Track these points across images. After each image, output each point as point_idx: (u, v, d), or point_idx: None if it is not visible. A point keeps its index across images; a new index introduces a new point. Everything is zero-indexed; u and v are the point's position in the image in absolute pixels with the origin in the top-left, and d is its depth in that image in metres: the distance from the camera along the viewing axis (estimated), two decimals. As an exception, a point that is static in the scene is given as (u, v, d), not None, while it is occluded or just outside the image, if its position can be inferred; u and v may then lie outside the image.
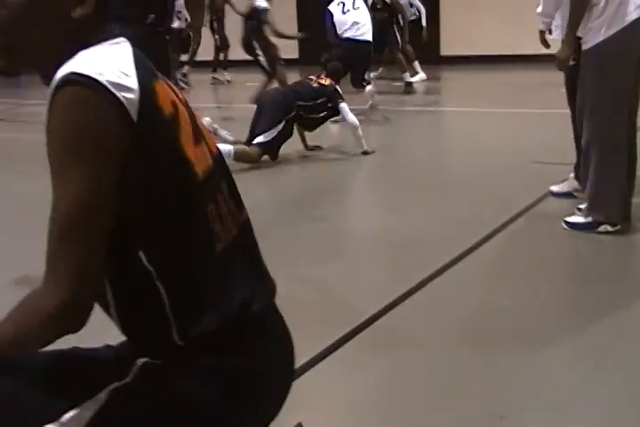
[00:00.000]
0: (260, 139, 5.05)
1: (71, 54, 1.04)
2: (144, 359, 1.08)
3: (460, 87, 9.50)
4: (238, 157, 4.90)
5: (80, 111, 0.99)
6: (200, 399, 1.08)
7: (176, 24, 10.49)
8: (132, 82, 1.02)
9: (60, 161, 1.01)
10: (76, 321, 1.01)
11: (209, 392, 1.08)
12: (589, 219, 3.30)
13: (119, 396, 1.06)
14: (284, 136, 5.16)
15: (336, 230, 3.74)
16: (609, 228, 3.27)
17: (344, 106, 5.39)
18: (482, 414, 1.92)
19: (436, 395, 2.03)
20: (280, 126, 5.06)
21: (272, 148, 5.11)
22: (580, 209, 3.39)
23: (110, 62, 1.03)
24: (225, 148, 4.79)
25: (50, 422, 1.04)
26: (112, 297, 1.09)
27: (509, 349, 2.28)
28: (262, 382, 1.15)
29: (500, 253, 3.22)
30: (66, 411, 1.05)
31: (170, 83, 1.17)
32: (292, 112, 5.14)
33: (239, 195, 1.23)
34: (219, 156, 1.20)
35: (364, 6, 7.53)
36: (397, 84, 10.06)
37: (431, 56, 12.24)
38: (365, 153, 5.39)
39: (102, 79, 1.00)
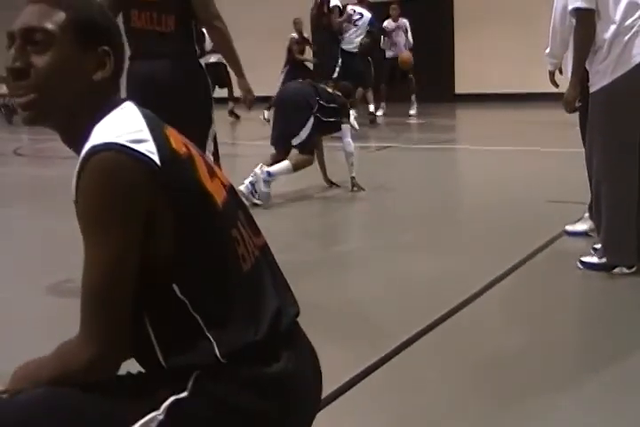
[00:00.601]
0: (296, 141, 5.07)
1: (89, 115, 1.18)
2: (197, 372, 1.13)
3: (474, 125, 9.56)
4: (297, 168, 5.05)
5: (106, 174, 1.09)
6: (248, 411, 1.15)
7: (213, 59, 10.77)
8: (146, 134, 1.14)
9: (89, 226, 1.11)
10: (105, 372, 1.13)
11: (256, 404, 1.15)
12: (604, 260, 3.28)
13: (179, 408, 1.12)
14: (318, 130, 5.17)
15: (346, 267, 3.73)
16: (625, 270, 3.24)
17: (347, 128, 5.37)
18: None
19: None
20: (310, 122, 5.06)
21: (311, 144, 5.14)
22: (595, 249, 3.37)
23: (123, 125, 1.15)
24: (282, 165, 4.96)
25: None
26: (151, 329, 1.16)
27: (524, 391, 2.24)
28: (295, 395, 1.21)
29: (514, 293, 3.19)
30: (127, 426, 1.11)
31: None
32: (316, 106, 5.11)
33: (255, 222, 1.32)
34: (230, 188, 1.30)
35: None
36: (411, 121, 10.16)
37: (445, 94, 12.37)
38: (353, 179, 5.35)
39: (121, 140, 1.11)
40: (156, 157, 1.11)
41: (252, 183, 4.90)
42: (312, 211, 5.20)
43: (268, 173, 4.88)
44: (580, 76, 3.26)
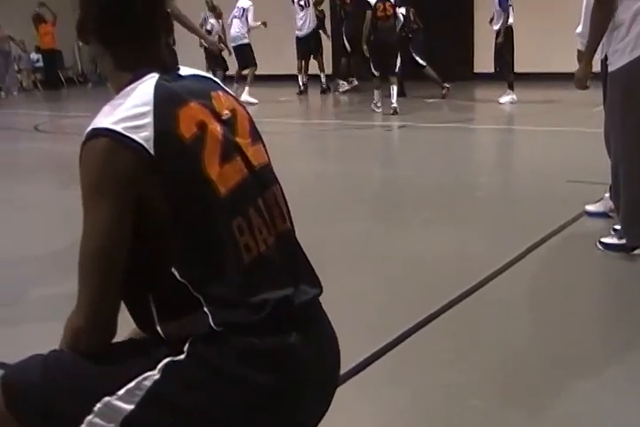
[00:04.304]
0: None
1: (117, 86, 1.26)
2: (193, 337, 1.18)
3: (494, 104, 9.44)
4: None
5: (98, 159, 1.16)
6: (238, 377, 1.17)
7: (244, 41, 10.75)
8: (148, 118, 1.17)
9: (84, 203, 1.18)
10: (92, 342, 1.19)
11: (248, 372, 1.17)
12: (623, 241, 3.25)
13: (174, 369, 1.17)
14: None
15: (364, 247, 3.73)
16: (645, 251, 3.22)
17: None
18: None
19: (472, 414, 2.01)
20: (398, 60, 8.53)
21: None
22: (615, 230, 3.34)
23: (128, 106, 1.18)
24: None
25: (106, 395, 1.17)
26: (154, 305, 1.20)
27: (542, 373, 2.24)
28: (295, 371, 1.21)
29: (533, 273, 3.18)
30: (122, 386, 1.17)
31: (220, 95, 1.28)
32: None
33: (281, 206, 1.31)
34: (261, 167, 1.29)
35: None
36: (430, 100, 10.07)
37: (464, 73, 12.23)
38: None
39: (117, 127, 1.16)
40: (150, 145, 1.15)
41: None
42: (326, 187, 5.19)
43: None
44: (594, 53, 3.20)
